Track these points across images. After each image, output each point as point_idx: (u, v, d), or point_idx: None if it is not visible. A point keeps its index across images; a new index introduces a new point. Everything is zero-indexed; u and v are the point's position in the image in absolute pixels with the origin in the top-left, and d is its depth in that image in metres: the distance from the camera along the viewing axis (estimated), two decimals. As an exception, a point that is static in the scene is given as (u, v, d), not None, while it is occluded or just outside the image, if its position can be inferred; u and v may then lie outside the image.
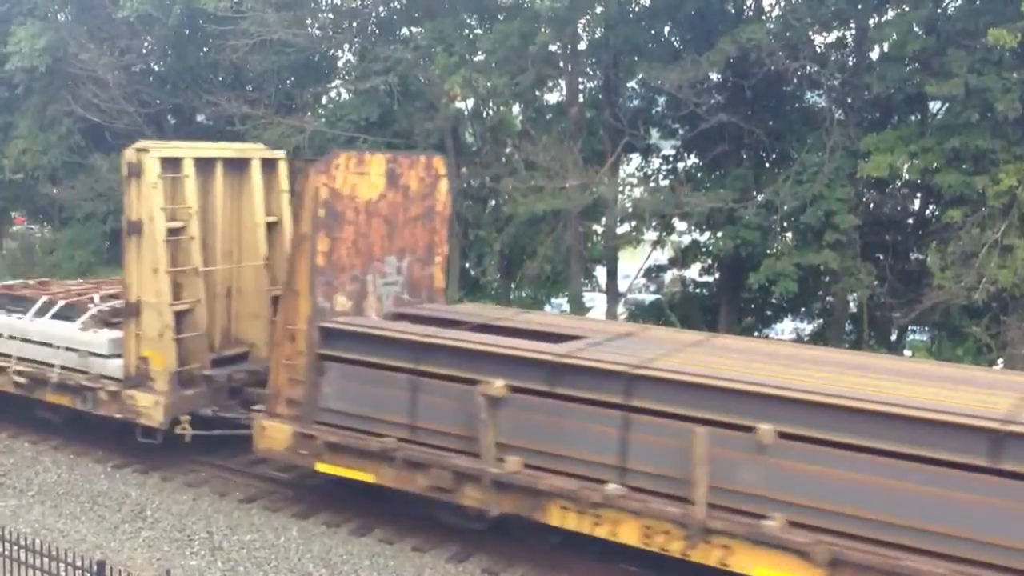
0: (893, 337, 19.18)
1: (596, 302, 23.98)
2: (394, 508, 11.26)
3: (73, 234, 26.56)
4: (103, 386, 13.06)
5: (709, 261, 22.01)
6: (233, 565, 10.34)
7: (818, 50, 18.57)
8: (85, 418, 13.62)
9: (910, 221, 19.46)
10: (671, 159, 22.28)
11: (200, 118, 26.09)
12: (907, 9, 17.21)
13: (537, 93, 21.69)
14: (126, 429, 13.05)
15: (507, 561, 10.47)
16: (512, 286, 23.33)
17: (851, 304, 19.21)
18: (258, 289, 13.74)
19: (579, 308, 21.28)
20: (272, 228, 13.86)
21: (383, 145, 21.73)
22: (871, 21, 18.16)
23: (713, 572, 9.11)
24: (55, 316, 14.10)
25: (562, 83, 21.49)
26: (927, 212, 19.10)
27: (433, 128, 20.89)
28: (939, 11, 17.21)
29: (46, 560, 8.39)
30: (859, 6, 17.96)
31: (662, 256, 23.28)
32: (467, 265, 23.56)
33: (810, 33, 18.09)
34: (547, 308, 23.63)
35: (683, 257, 22.21)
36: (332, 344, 11.13)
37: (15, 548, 8.66)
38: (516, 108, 22.42)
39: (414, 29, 22.57)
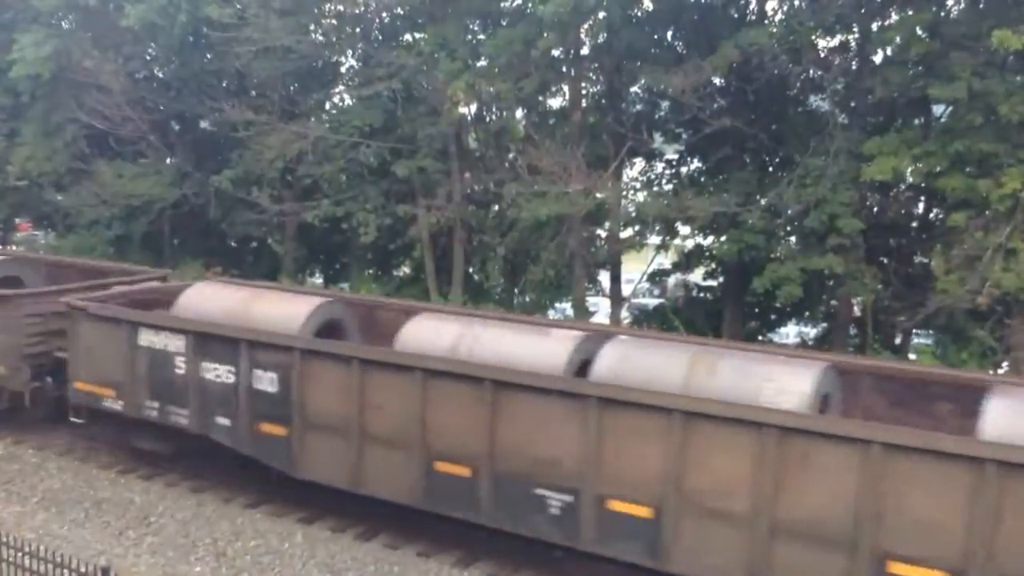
0: (897, 341, 19.15)
1: (600, 306, 23.98)
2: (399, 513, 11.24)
3: (78, 240, 26.58)
4: None
5: (713, 265, 22.02)
6: (237, 571, 10.33)
7: (821, 54, 18.56)
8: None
9: (914, 225, 19.43)
10: (674, 163, 22.30)
11: (204, 124, 26.15)
12: (910, 12, 17.20)
13: (540, 98, 21.71)
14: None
15: (512, 567, 10.46)
16: (516, 291, 23.34)
17: (855, 308, 19.19)
18: None
19: (583, 312, 21.28)
20: None
21: (386, 151, 21.78)
22: (874, 25, 18.15)
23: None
24: None
25: (565, 88, 21.52)
26: (931, 216, 19.07)
27: (436, 133, 20.93)
28: (942, 14, 17.20)
29: (50, 566, 8.40)
30: (862, 10, 17.95)
31: (665, 260, 23.27)
32: (471, 270, 23.58)
33: (813, 37, 18.08)
34: (551, 313, 23.64)
35: (689, 261, 22.02)
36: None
37: (19, 554, 8.67)
38: (519, 113, 22.45)
39: (417, 35, 22.63)
